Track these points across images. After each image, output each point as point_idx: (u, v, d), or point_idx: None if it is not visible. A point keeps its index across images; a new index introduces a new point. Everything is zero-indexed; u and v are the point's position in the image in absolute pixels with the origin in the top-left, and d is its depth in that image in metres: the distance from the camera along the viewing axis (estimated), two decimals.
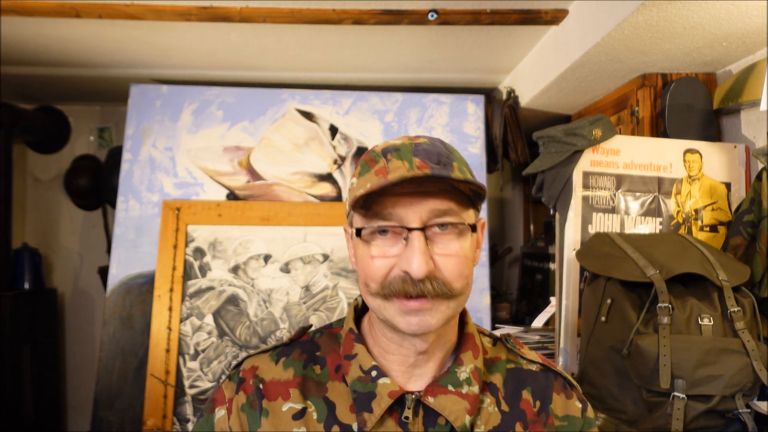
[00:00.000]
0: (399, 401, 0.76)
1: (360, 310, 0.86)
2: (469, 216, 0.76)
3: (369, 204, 0.73)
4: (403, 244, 0.72)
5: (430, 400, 0.76)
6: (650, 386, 1.22)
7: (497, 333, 0.90)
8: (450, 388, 0.77)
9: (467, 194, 0.75)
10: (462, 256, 0.74)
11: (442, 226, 0.73)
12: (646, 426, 1.25)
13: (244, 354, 2.32)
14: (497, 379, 0.81)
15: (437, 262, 0.72)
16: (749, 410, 1.21)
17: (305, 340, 0.85)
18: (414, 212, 0.72)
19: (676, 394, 1.20)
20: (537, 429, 0.79)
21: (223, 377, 1.04)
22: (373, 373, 0.77)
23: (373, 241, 0.74)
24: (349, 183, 0.80)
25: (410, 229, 0.71)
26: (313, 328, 0.87)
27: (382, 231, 0.73)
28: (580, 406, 0.84)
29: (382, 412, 0.74)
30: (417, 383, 0.79)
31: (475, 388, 0.78)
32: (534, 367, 0.85)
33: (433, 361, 0.79)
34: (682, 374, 1.20)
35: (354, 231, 0.76)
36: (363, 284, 0.76)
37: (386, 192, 0.72)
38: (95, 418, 2.27)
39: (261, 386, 0.79)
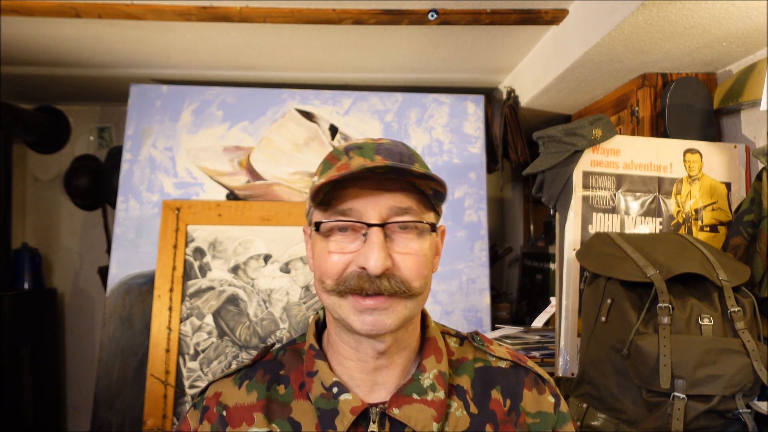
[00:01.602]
0: (364, 415, 0.75)
1: (321, 325, 0.85)
2: (429, 217, 0.76)
3: (329, 200, 0.73)
4: (361, 240, 0.72)
5: (395, 412, 0.74)
6: (650, 386, 1.22)
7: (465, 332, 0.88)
8: (414, 396, 0.75)
9: (427, 195, 0.75)
10: (421, 256, 0.73)
11: (401, 224, 0.72)
12: (646, 426, 1.25)
13: (244, 354, 2.32)
14: (464, 381, 0.80)
15: (396, 260, 0.72)
16: (749, 410, 1.21)
17: (268, 359, 0.83)
18: (374, 208, 0.71)
19: (676, 394, 1.20)
20: (507, 429, 0.77)
21: (187, 406, 1.03)
22: (335, 390, 0.75)
23: (332, 237, 0.73)
24: (312, 183, 0.79)
25: (369, 225, 0.71)
26: (276, 346, 0.86)
27: (342, 228, 0.73)
28: (552, 401, 0.82)
29: (345, 429, 0.73)
30: (381, 394, 0.77)
31: (441, 394, 0.76)
32: (503, 364, 0.83)
33: (394, 369, 0.78)
34: (682, 374, 1.19)
35: (313, 227, 0.75)
36: (318, 281, 0.75)
37: (347, 187, 0.72)
38: (95, 418, 2.27)
39: (224, 413, 0.78)
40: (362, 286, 0.70)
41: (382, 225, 0.71)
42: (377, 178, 0.72)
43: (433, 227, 0.76)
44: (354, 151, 0.75)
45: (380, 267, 0.69)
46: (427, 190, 0.74)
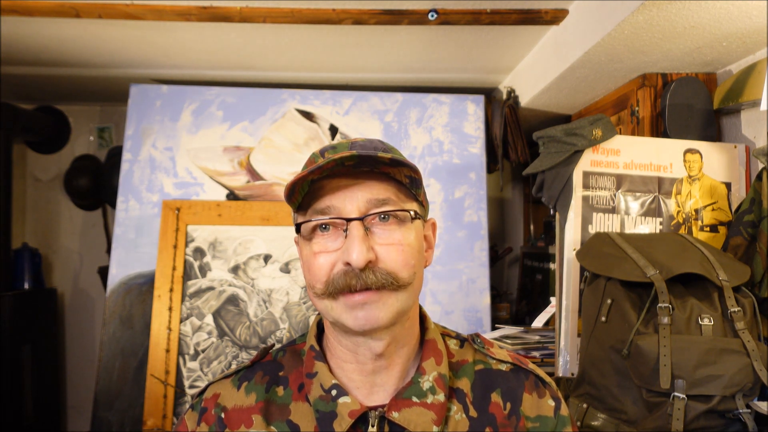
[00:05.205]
0: (363, 418, 0.74)
1: (322, 326, 0.84)
2: (411, 206, 0.76)
3: (308, 201, 0.74)
4: (343, 237, 0.72)
5: (394, 415, 0.73)
6: (650, 386, 1.22)
7: (465, 334, 0.87)
8: (414, 399, 0.75)
9: (405, 185, 0.75)
10: (406, 245, 0.73)
11: (381, 216, 0.72)
12: (646, 426, 1.25)
13: (244, 354, 2.32)
14: (464, 383, 0.79)
15: (379, 252, 0.71)
16: (749, 410, 1.21)
17: (268, 360, 0.83)
18: (351, 203, 0.72)
19: (676, 394, 1.20)
20: None
21: (187, 406, 1.03)
22: (333, 392, 0.75)
23: (315, 238, 0.73)
24: None
25: (348, 220, 0.71)
26: (276, 347, 0.86)
27: (324, 227, 0.73)
28: (552, 404, 0.81)
29: None
30: (380, 396, 0.77)
31: (441, 397, 0.75)
32: (504, 367, 0.82)
33: (393, 370, 0.77)
34: (682, 374, 1.19)
35: (295, 229, 0.76)
36: (309, 287, 0.75)
37: (323, 186, 0.73)
38: (95, 418, 2.27)
39: (223, 415, 0.78)
40: (349, 282, 0.70)
41: (361, 218, 0.71)
42: (352, 173, 0.72)
43: (416, 215, 0.75)
44: (329, 152, 0.75)
45: (362, 260, 0.69)
46: (404, 179, 0.74)
